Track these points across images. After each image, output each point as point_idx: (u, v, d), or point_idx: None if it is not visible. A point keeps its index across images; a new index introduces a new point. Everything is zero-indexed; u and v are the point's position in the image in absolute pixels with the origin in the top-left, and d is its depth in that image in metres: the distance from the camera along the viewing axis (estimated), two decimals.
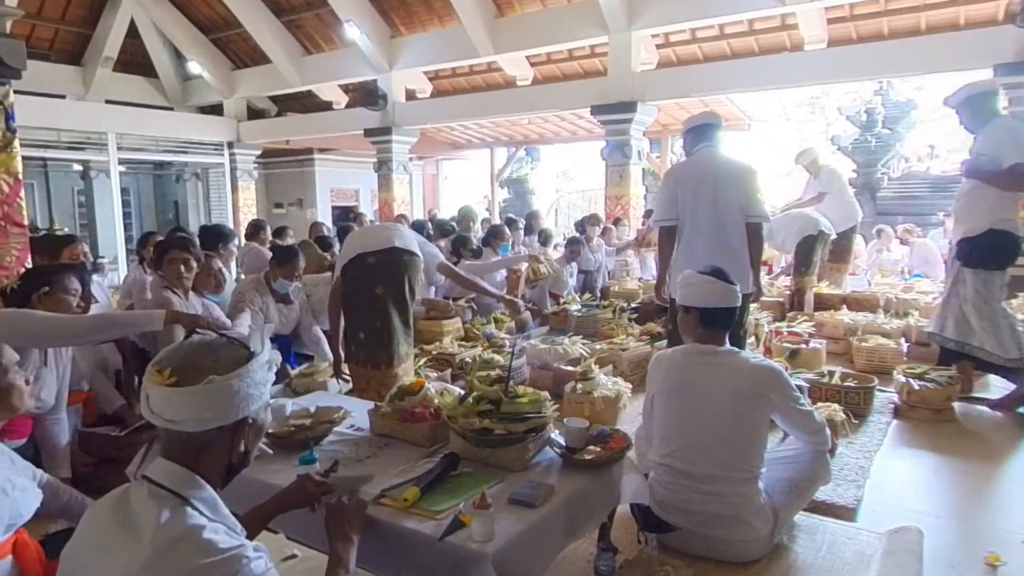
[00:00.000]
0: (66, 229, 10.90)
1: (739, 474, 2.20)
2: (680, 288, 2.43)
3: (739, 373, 2.25)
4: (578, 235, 7.05)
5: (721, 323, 2.33)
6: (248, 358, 1.24)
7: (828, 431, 2.43)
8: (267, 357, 1.29)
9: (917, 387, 3.82)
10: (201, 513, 1.16)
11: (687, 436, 2.26)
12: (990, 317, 3.86)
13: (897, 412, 3.87)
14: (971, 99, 3.87)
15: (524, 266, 6.23)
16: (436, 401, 2.37)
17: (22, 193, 3.88)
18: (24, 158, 4.02)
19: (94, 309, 3.38)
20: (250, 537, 1.42)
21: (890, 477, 3.07)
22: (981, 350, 3.93)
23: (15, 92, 3.86)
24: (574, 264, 6.99)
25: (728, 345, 2.37)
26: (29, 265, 3.83)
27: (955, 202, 4.09)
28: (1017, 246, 3.84)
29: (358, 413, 2.53)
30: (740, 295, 2.39)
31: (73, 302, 2.67)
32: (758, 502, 2.22)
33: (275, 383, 3.45)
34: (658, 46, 8.07)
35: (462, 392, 2.37)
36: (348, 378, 3.77)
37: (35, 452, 2.66)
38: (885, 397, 4.00)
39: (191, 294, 3.60)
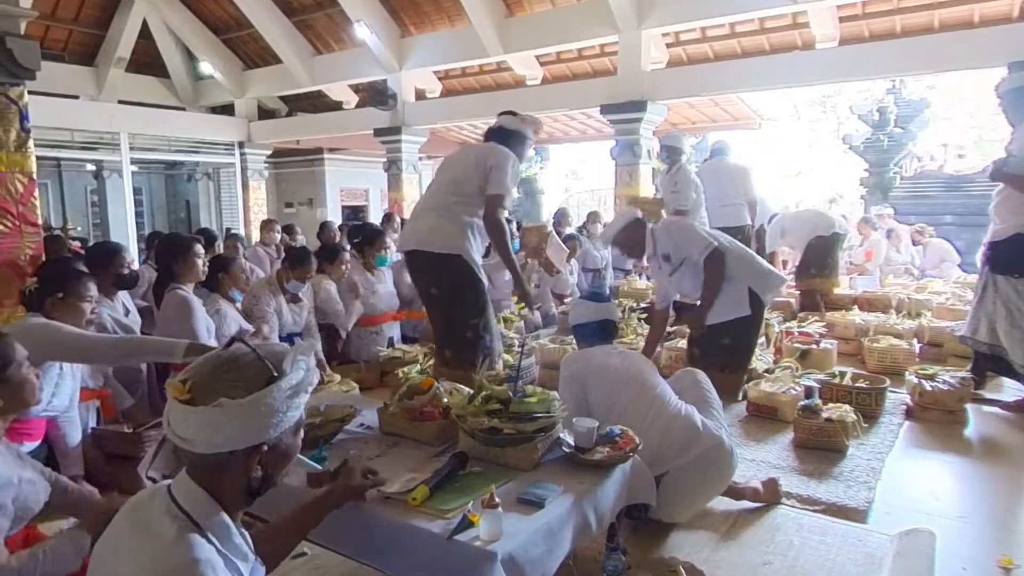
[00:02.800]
0: (79, 229, 11.04)
1: (664, 408, 2.52)
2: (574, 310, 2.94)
3: (633, 355, 2.83)
4: (575, 232, 6.91)
5: (595, 335, 2.84)
6: (269, 381, 1.18)
7: None
8: (296, 380, 1.21)
9: (929, 388, 3.79)
10: (211, 541, 1.14)
11: (632, 405, 2.54)
12: (1021, 325, 3.74)
13: (909, 413, 3.84)
14: (1014, 91, 3.69)
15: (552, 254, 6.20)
16: (445, 400, 2.38)
17: (36, 193, 3.91)
18: (38, 158, 4.05)
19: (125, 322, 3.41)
20: (286, 552, 1.46)
21: (902, 479, 3.05)
22: (1006, 352, 3.84)
23: (29, 92, 3.89)
24: (574, 262, 6.87)
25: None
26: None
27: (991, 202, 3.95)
28: None
29: (367, 412, 2.54)
30: (615, 310, 2.96)
31: (88, 308, 2.66)
32: (695, 418, 2.52)
33: None
34: (668, 45, 8.04)
35: (471, 391, 2.37)
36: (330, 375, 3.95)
37: (48, 454, 2.67)
38: (897, 398, 3.97)
39: (219, 298, 3.63)
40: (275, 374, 1.20)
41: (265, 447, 1.19)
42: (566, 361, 2.82)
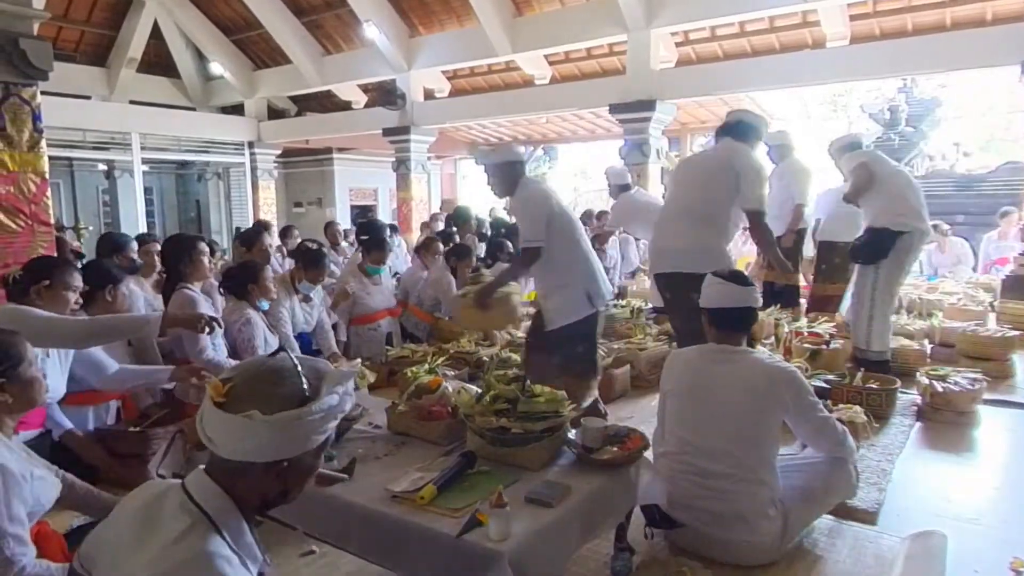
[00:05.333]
0: (91, 228, 11.12)
1: (747, 474, 2.19)
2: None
3: (753, 372, 2.25)
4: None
5: (733, 324, 2.35)
6: (302, 402, 1.18)
7: (851, 441, 2.40)
8: (328, 405, 1.20)
9: (941, 389, 3.76)
10: (223, 538, 1.15)
11: (697, 432, 2.26)
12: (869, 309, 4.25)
13: (920, 414, 3.81)
14: (838, 150, 4.76)
15: None
16: (453, 400, 2.38)
17: (49, 192, 3.95)
18: (51, 158, 4.10)
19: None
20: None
21: (913, 480, 3.02)
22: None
23: (42, 93, 3.93)
24: None
25: (745, 346, 2.38)
26: None
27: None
28: (892, 240, 4.11)
29: (376, 411, 2.55)
30: (758, 298, 2.43)
31: (72, 298, 2.65)
32: (764, 505, 2.20)
33: None
34: (677, 44, 8.02)
35: (479, 391, 2.38)
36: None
37: (51, 445, 2.69)
38: (908, 399, 3.94)
39: (247, 306, 3.65)
40: (309, 395, 1.19)
41: (286, 463, 1.19)
42: (665, 364, 2.52)
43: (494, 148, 3.60)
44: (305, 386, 1.20)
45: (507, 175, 3.42)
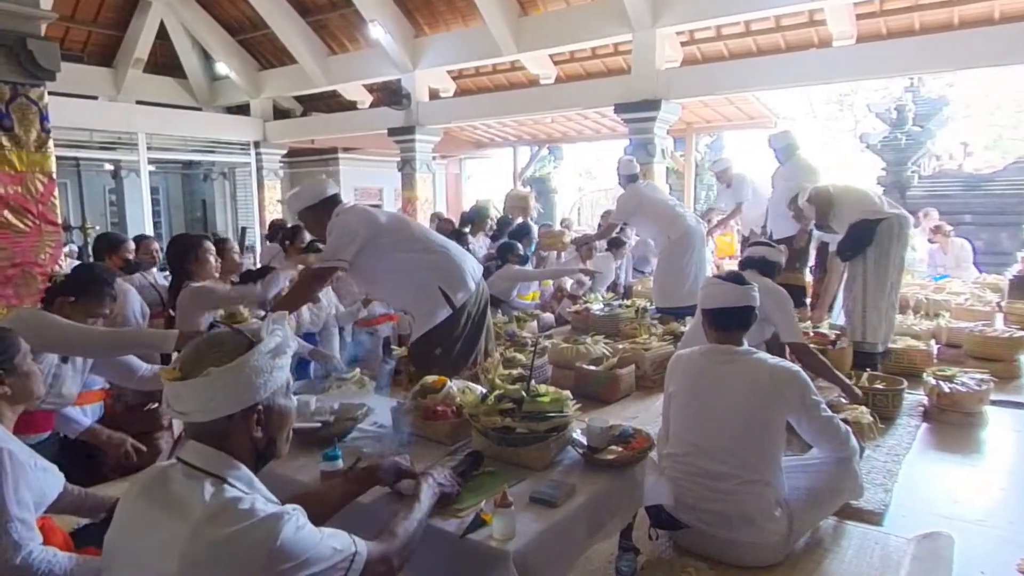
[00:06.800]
0: (98, 228, 11.17)
1: (751, 475, 2.19)
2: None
3: (757, 371, 2.26)
4: (623, 239, 6.67)
5: (732, 323, 2.38)
6: (248, 347, 1.27)
7: (854, 441, 2.40)
8: (274, 344, 1.30)
9: (948, 390, 3.75)
10: (236, 488, 1.21)
11: (702, 433, 2.26)
12: (869, 303, 4.40)
13: (926, 415, 3.80)
14: (783, 148, 5.70)
15: (568, 283, 6.19)
16: (458, 399, 2.38)
17: (56, 192, 3.97)
18: (58, 158, 4.12)
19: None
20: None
21: (919, 481, 3.01)
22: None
23: (49, 93, 3.95)
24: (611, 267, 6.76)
25: (747, 346, 2.39)
26: (62, 263, 3.92)
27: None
28: (872, 229, 4.30)
29: (381, 410, 2.55)
30: (756, 296, 2.44)
31: (91, 322, 2.65)
32: (770, 505, 2.19)
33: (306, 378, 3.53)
34: (683, 43, 7.99)
35: (484, 391, 2.37)
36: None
37: (59, 447, 2.70)
38: (914, 400, 3.93)
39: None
40: (254, 341, 1.29)
41: (260, 407, 1.28)
42: (668, 365, 2.55)
43: (296, 193, 3.18)
44: (248, 335, 1.30)
45: (321, 216, 3.07)
